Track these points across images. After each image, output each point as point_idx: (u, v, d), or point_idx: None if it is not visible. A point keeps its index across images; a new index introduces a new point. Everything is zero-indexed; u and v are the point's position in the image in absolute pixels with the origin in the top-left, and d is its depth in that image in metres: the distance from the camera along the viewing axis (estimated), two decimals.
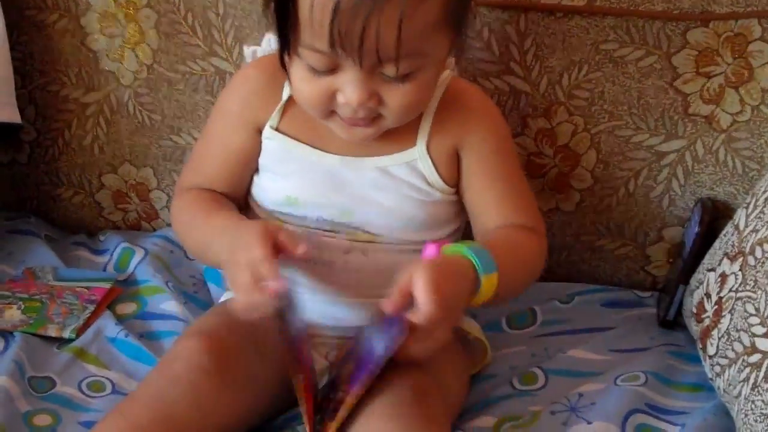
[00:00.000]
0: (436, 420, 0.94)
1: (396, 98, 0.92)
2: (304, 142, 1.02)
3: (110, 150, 1.35)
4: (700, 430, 1.00)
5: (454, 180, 1.04)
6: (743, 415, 0.93)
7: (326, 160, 1.02)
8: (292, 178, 1.03)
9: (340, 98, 0.92)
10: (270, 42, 1.08)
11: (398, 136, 1.01)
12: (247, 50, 1.11)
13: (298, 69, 0.94)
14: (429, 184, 1.02)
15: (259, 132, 1.04)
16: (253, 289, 0.88)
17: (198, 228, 1.04)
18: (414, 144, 1.02)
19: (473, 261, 0.93)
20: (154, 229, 1.38)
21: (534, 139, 1.21)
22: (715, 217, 1.17)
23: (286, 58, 0.95)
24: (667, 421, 1.02)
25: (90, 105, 1.34)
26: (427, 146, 1.02)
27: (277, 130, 1.03)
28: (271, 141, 1.04)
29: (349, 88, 0.91)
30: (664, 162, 1.20)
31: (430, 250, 0.94)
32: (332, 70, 0.91)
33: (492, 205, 1.05)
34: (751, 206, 1.05)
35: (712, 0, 1.12)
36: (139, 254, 1.28)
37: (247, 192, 1.08)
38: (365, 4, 0.85)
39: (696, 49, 1.14)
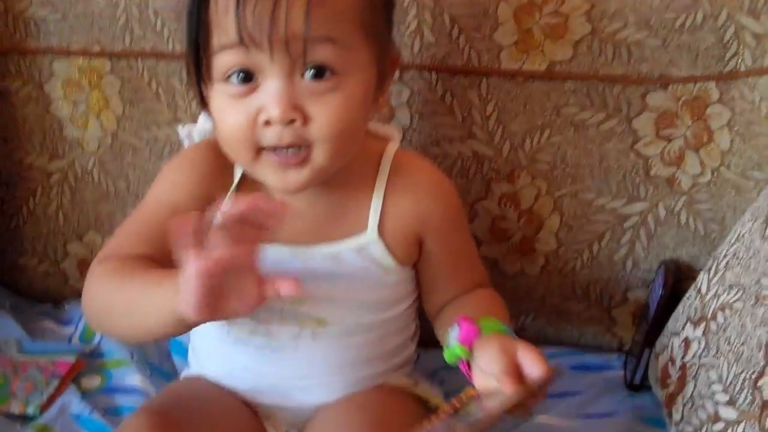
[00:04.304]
0: None
1: (322, 111, 0.88)
2: None
3: (75, 218, 1.35)
4: None
5: (411, 260, 1.03)
6: None
7: (275, 251, 0.98)
8: None
9: (262, 116, 0.88)
10: (205, 120, 1.05)
11: (348, 218, 0.99)
12: (182, 130, 1.07)
13: (218, 99, 0.91)
14: (383, 268, 1.00)
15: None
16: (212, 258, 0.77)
17: (132, 283, 0.89)
18: (365, 227, 0.99)
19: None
20: None
21: (498, 203, 1.21)
22: (678, 279, 1.17)
23: (206, 91, 0.92)
24: None
25: (54, 173, 1.33)
26: (380, 229, 0.99)
27: None
28: None
29: (270, 98, 0.87)
30: (627, 224, 1.20)
31: (468, 330, 0.91)
32: (251, 88, 0.88)
33: (452, 278, 1.05)
34: (713, 270, 1.05)
35: (670, 64, 1.13)
36: None
37: None
38: None
39: (656, 112, 1.15)
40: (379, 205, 0.99)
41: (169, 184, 1.01)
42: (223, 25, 0.86)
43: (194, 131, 1.06)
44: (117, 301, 0.90)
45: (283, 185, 0.92)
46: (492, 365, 0.85)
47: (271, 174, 0.92)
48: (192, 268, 0.75)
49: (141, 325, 0.87)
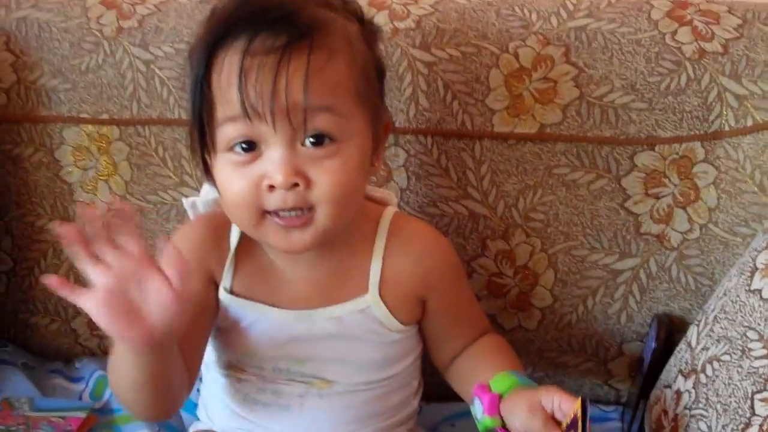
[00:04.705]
0: None
1: (323, 175, 0.91)
2: (258, 301, 1.02)
3: (86, 279, 1.37)
4: None
5: (414, 319, 1.06)
6: None
7: (281, 315, 1.02)
8: (247, 333, 1.03)
9: (266, 182, 0.91)
10: (208, 191, 1.08)
11: (349, 281, 1.02)
12: (186, 202, 1.11)
13: (222, 167, 0.94)
14: (385, 327, 1.03)
15: (213, 281, 1.04)
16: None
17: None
18: (366, 290, 1.02)
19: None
20: None
21: (494, 260, 1.24)
22: (671, 332, 1.19)
23: (210, 160, 0.96)
24: None
25: None
26: (380, 291, 1.02)
27: (231, 292, 1.03)
28: (226, 303, 1.03)
29: (272, 165, 0.91)
30: (620, 279, 1.23)
31: (490, 401, 0.96)
32: (254, 156, 0.92)
33: (458, 331, 1.08)
34: (702, 324, 1.08)
35: (656, 125, 1.17)
36: None
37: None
38: (270, 63, 0.88)
39: (644, 171, 1.19)
40: (378, 267, 1.02)
41: None
42: (227, 99, 0.90)
43: (198, 202, 1.10)
44: (111, 378, 0.98)
45: (288, 246, 0.95)
46: (529, 426, 0.91)
47: (275, 236, 0.95)
48: (90, 303, 0.81)
49: (127, 383, 0.94)
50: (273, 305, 1.02)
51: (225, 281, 1.03)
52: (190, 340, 1.00)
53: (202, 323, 1.03)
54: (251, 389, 1.05)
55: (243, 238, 1.03)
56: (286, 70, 0.88)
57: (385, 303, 1.02)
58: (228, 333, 1.05)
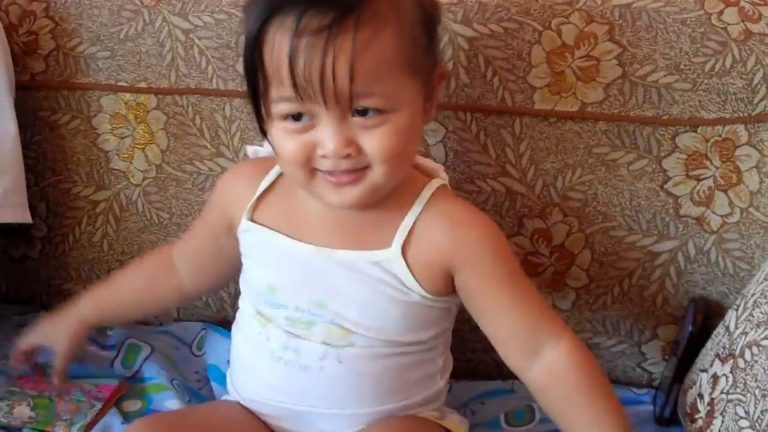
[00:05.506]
0: None
1: (374, 142, 0.94)
2: (279, 232, 1.06)
3: (119, 246, 1.39)
4: None
5: (438, 289, 1.03)
6: None
7: (301, 249, 1.04)
8: (271, 266, 1.07)
9: (319, 151, 0.95)
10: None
11: (376, 233, 1.02)
12: (250, 149, 1.14)
13: (277, 132, 0.97)
14: (404, 285, 1.02)
15: (229, 225, 1.11)
16: None
17: None
18: (389, 245, 1.02)
19: None
20: (161, 323, 1.41)
21: (530, 238, 1.24)
22: (708, 315, 1.19)
23: (265, 125, 0.99)
24: None
25: (100, 203, 1.38)
26: (404, 250, 1.01)
27: (252, 221, 1.08)
28: (249, 233, 1.08)
29: (325, 137, 0.94)
30: (657, 262, 1.22)
31: None
32: (308, 126, 0.95)
33: (503, 319, 1.03)
34: (741, 308, 1.07)
35: (700, 106, 1.15)
36: (145, 350, 1.31)
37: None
38: (317, 44, 0.89)
39: (685, 153, 1.17)
40: (408, 227, 1.02)
41: (209, 203, 1.18)
42: (279, 80, 0.92)
43: (260, 151, 1.13)
44: None
45: (339, 201, 0.98)
46: None
47: (327, 192, 0.98)
48: None
49: None
50: (293, 237, 1.05)
51: (247, 213, 1.08)
52: (197, 256, 1.18)
53: (210, 248, 1.17)
54: (276, 345, 1.05)
55: (277, 179, 1.09)
56: (332, 52, 0.89)
57: (406, 261, 1.02)
58: (254, 267, 1.09)
